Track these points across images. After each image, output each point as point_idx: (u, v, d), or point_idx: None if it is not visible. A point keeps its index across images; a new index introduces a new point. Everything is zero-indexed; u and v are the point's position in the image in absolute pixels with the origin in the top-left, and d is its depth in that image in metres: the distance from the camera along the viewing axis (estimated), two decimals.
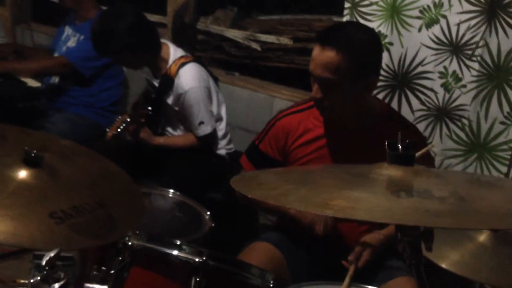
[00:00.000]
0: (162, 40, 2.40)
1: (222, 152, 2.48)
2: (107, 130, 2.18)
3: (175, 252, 1.04)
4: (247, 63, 3.04)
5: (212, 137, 2.37)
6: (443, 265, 1.35)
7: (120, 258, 1.04)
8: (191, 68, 2.30)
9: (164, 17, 3.20)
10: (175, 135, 2.44)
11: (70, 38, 2.92)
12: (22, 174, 1.23)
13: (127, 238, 1.08)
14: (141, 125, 2.22)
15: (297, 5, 2.99)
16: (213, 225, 1.74)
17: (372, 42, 1.57)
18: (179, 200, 1.84)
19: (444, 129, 1.92)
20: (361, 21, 1.95)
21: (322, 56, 1.49)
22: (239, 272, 1.04)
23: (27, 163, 1.25)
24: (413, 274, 1.55)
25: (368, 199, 0.72)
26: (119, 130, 2.15)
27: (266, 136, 1.74)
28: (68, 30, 2.98)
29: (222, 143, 2.49)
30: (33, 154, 1.25)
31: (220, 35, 3.12)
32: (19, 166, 1.24)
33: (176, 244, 1.05)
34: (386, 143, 0.87)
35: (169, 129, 2.47)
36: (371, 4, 1.92)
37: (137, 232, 1.09)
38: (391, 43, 1.94)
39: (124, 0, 3.57)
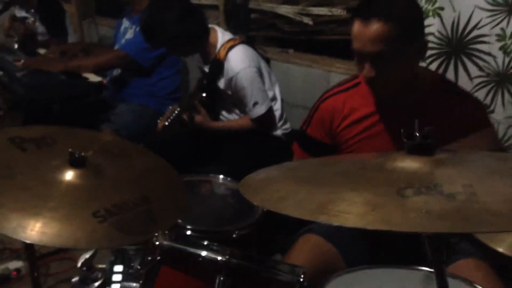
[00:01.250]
0: (210, 25, 2.40)
1: (278, 133, 2.48)
2: (158, 121, 2.23)
3: (199, 251, 1.06)
4: (301, 39, 2.98)
5: (268, 117, 2.37)
6: (500, 249, 1.27)
7: (150, 258, 1.08)
8: (240, 50, 2.30)
9: None
10: (231, 119, 2.46)
11: (128, 31, 3.01)
12: (68, 175, 1.29)
13: (154, 238, 1.11)
14: (194, 110, 2.25)
15: None
16: (265, 209, 1.75)
17: (412, 4, 1.50)
18: (231, 186, 1.86)
19: (506, 96, 1.79)
20: None
21: (367, 30, 1.41)
22: (263, 269, 1.03)
23: (72, 164, 1.31)
24: (479, 256, 1.49)
25: (368, 201, 0.68)
26: (169, 120, 2.19)
27: (312, 119, 1.71)
28: (125, 23, 3.07)
29: (279, 124, 2.47)
30: (77, 155, 1.31)
31: (272, 12, 3.08)
32: (65, 167, 1.31)
33: (202, 243, 1.07)
34: (402, 132, 0.81)
35: (225, 114, 2.49)
36: None
37: (166, 232, 1.12)
38: (441, 8, 1.82)
39: None
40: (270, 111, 2.35)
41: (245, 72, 2.25)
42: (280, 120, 2.48)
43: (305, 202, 0.69)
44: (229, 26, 3.17)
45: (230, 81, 2.29)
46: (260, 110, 2.30)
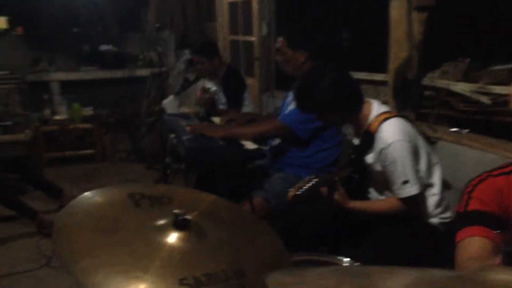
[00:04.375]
0: (366, 99, 2.25)
1: (434, 221, 2.17)
2: (289, 190, 2.10)
3: None
4: (477, 119, 2.65)
5: (418, 201, 2.10)
6: None
7: None
8: (395, 122, 2.09)
9: (386, 75, 3.07)
10: (377, 200, 2.23)
11: (291, 102, 3.03)
12: (169, 237, 1.26)
13: None
14: (333, 187, 2.09)
15: None
16: None
17: None
18: None
19: None
20: None
21: None
22: None
23: (176, 225, 1.28)
24: None
25: None
26: (301, 190, 2.04)
27: (473, 193, 1.38)
28: (291, 95, 3.11)
29: (436, 211, 2.17)
30: (180, 217, 1.28)
31: (447, 89, 2.82)
32: (169, 229, 1.28)
33: None
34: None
35: (374, 193, 2.28)
36: None
37: None
38: None
39: (344, 60, 3.59)
40: (421, 194, 2.07)
41: (397, 145, 2.03)
42: (438, 207, 2.17)
43: None
44: (398, 102, 2.99)
45: (379, 153, 2.08)
46: (411, 190, 2.03)
